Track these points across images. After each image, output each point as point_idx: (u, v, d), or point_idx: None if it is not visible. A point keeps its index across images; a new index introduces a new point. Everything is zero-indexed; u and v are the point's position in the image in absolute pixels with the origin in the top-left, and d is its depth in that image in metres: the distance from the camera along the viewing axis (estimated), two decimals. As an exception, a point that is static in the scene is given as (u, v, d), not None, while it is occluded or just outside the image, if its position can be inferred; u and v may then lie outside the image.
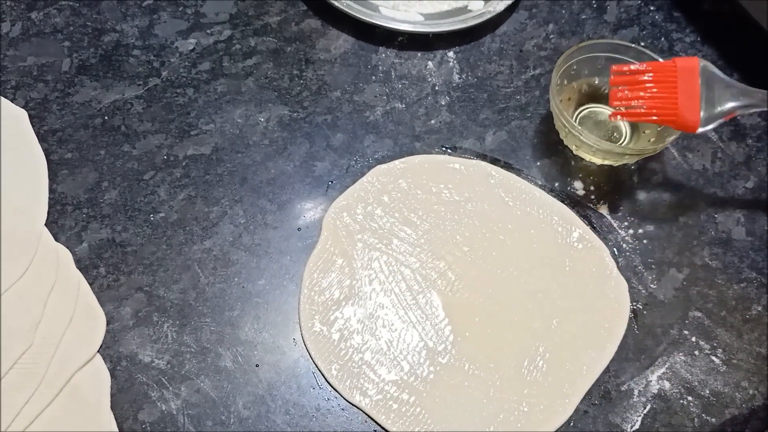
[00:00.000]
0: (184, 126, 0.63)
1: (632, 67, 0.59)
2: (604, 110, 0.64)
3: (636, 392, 0.53)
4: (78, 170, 0.60)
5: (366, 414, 0.51)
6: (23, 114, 0.62)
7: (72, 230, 0.57)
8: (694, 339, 0.56)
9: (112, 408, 0.50)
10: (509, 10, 0.70)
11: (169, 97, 0.65)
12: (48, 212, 0.57)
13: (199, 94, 0.65)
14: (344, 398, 0.52)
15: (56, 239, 0.56)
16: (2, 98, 0.62)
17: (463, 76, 0.68)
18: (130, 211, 0.59)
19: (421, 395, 0.52)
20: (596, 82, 0.65)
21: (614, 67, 0.59)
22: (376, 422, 0.51)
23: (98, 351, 0.52)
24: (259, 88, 0.66)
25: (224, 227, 0.59)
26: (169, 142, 0.62)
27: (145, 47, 0.67)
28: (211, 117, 0.64)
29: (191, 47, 0.67)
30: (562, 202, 0.61)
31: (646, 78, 0.57)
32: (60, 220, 0.58)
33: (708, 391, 0.54)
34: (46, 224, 0.57)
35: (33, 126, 0.61)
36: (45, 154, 0.60)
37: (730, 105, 0.55)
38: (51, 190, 0.59)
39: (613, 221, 0.60)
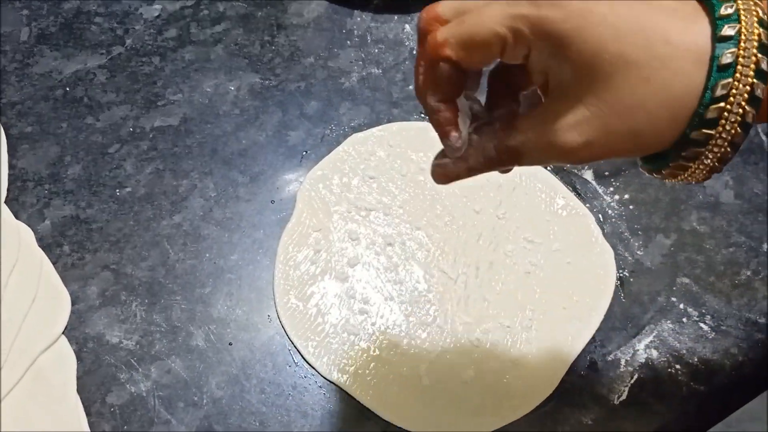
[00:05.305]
0: (151, 96, 0.61)
1: None
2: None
3: (623, 362, 0.52)
4: (39, 144, 0.58)
5: (345, 391, 0.50)
6: (-21, 86, 0.59)
7: (33, 207, 0.55)
8: (682, 306, 0.54)
9: (79, 391, 0.49)
10: (489, -30, 0.68)
11: (134, 67, 0.63)
12: (7, 189, 0.56)
13: (166, 63, 0.63)
14: (322, 375, 0.50)
15: (17, 217, 0.55)
16: (-44, 70, 0.60)
17: (442, 40, 0.65)
18: (94, 187, 0.57)
19: (402, 371, 0.50)
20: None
21: None
22: (354, 399, 0.50)
23: (63, 332, 0.50)
24: (229, 55, 0.64)
25: (194, 201, 0.57)
26: (135, 113, 0.60)
27: (107, 14, 0.65)
28: (179, 86, 0.62)
29: (156, 13, 0.65)
30: (545, 168, 0.59)
31: None
32: (21, 197, 0.56)
33: (696, 359, 0.52)
34: (5, 202, 0.55)
35: (-10, 99, 0.59)
36: (4, 128, 0.58)
37: None
38: (10, 166, 0.57)
39: (597, 187, 0.58)
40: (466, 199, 0.57)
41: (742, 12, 0.28)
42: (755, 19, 0.28)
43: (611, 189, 0.58)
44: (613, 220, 0.57)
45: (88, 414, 0.48)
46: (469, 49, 0.30)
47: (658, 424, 0.50)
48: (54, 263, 0.53)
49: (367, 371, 0.50)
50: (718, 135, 0.28)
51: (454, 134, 0.33)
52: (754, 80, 0.27)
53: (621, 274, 0.55)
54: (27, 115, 0.59)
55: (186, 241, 0.55)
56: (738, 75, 0.27)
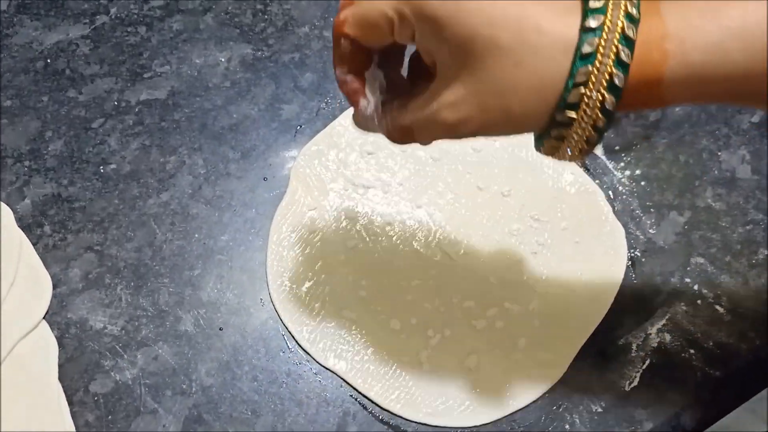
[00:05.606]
0: (137, 68, 0.60)
1: None
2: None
3: (634, 346, 0.50)
4: (18, 119, 0.56)
5: (341, 378, 0.48)
6: (-45, 58, 0.57)
7: (13, 185, 0.54)
8: (696, 287, 0.52)
9: (61, 379, 0.47)
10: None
11: (118, 37, 0.61)
12: (-15, 166, 0.54)
13: (153, 33, 0.61)
14: (317, 362, 0.48)
15: (-5, 196, 0.53)
16: (-69, 41, 0.58)
17: (443, 8, 0.63)
18: (77, 163, 0.55)
19: (401, 357, 0.48)
20: None
21: None
22: (352, 386, 0.48)
23: (44, 317, 0.49)
24: (219, 24, 0.62)
25: (182, 178, 0.55)
26: (120, 86, 0.59)
27: (90, -19, 0.62)
28: (167, 58, 0.60)
29: (142, -20, 0.63)
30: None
31: None
32: (-1, 174, 0.54)
33: (711, 343, 0.50)
34: (-17, 179, 0.53)
35: (-33, 71, 0.57)
36: (-19, 102, 0.57)
37: None
38: (-12, 142, 0.55)
39: (607, 162, 0.56)
40: (469, 176, 0.54)
41: (610, 5, 0.30)
42: (622, 11, 0.30)
43: (622, 164, 0.56)
44: (624, 196, 0.55)
45: (70, 403, 0.46)
46: (363, 28, 0.34)
47: (671, 411, 0.48)
48: (34, 244, 0.51)
49: (365, 357, 0.48)
50: (579, 118, 0.31)
51: (362, 102, 0.37)
52: (614, 69, 0.29)
53: (632, 254, 0.53)
54: (6, 89, 0.57)
55: (174, 220, 0.53)
56: (597, 63, 0.29)
